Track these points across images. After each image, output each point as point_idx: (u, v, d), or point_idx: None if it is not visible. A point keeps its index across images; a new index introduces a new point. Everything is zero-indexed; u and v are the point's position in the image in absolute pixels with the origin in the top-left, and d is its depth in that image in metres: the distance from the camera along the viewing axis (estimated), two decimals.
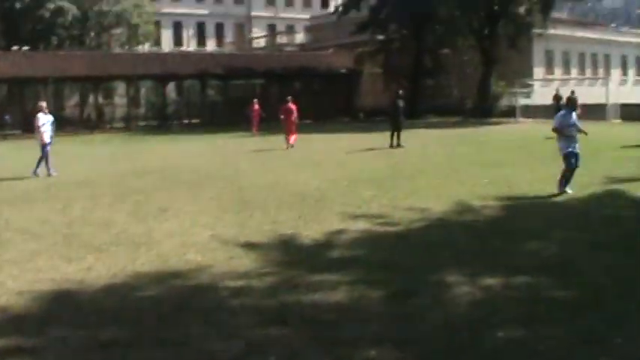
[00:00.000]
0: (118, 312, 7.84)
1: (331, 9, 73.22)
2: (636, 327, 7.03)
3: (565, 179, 15.47)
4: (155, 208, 14.93)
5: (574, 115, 15.81)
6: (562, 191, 15.29)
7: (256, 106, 40.50)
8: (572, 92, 35.24)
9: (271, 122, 39.30)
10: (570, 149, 15.37)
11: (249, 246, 10.94)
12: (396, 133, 28.66)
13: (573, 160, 15.38)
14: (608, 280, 8.65)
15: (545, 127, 35.02)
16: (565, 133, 15.53)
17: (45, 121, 21.75)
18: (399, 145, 28.29)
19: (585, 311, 7.49)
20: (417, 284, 8.61)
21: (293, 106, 31.66)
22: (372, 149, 27.63)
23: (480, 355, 6.36)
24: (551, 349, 6.48)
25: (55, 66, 48.36)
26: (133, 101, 54.98)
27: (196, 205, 15.20)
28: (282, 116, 31.61)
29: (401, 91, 31.75)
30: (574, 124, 15.66)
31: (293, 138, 30.39)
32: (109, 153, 30.67)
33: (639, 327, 7.05)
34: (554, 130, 15.80)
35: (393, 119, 29.25)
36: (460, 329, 7.03)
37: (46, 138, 21.52)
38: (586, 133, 15.91)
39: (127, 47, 63.86)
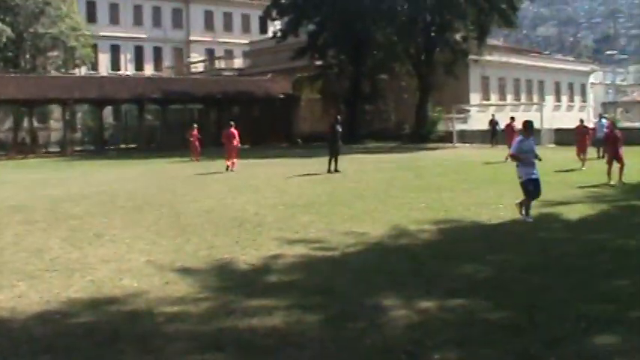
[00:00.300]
0: (51, 340, 7.69)
1: (270, 34, 73.48)
2: (570, 347, 7.14)
3: (525, 207, 15.29)
4: (91, 233, 14.73)
5: (532, 140, 15.63)
6: (525, 219, 15.11)
7: (195, 131, 40.14)
8: (512, 119, 36.01)
9: (210, 147, 39.25)
10: (529, 176, 15.17)
11: (186, 271, 10.86)
12: (333, 159, 28.73)
13: (531, 188, 15.17)
14: (543, 301, 8.78)
15: (481, 152, 35.58)
16: (523, 160, 15.28)
17: None
18: (336, 171, 28.36)
19: (520, 332, 7.58)
20: (354, 308, 8.63)
21: (235, 131, 32.25)
22: (310, 174, 27.68)
23: None
24: None
25: None
26: (69, 125, 54.26)
27: (133, 230, 15.04)
28: (223, 140, 32.29)
29: (339, 117, 31.88)
30: (532, 150, 15.45)
31: (232, 163, 30.88)
32: (44, 178, 30.17)
33: (573, 347, 7.15)
34: (512, 156, 15.63)
35: (331, 144, 29.25)
36: (397, 352, 7.06)
37: None
38: (540, 159, 15.81)
39: (63, 70, 63.16)
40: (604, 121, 36.64)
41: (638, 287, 9.53)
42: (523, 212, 15.26)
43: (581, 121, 32.46)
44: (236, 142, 32.12)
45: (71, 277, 10.63)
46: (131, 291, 9.69)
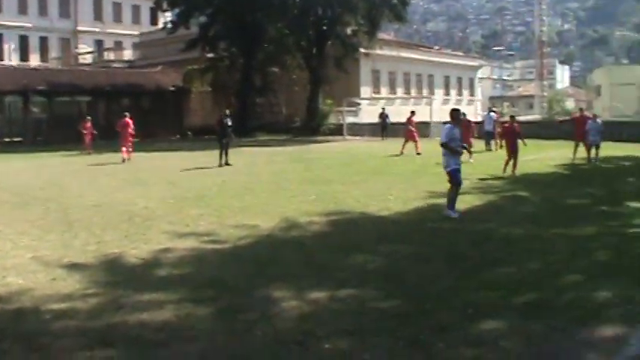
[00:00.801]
0: None
1: (160, 25, 72.57)
2: (456, 332, 7.33)
3: (453, 200, 14.96)
4: None
5: (457, 129, 15.32)
6: (452, 215, 14.64)
7: (88, 124, 39.15)
8: (413, 113, 36.29)
9: (99, 141, 38.55)
10: (457, 165, 15.02)
11: (74, 267, 10.62)
12: (224, 152, 28.62)
13: (460, 176, 15.13)
14: (432, 290, 8.97)
15: (372, 145, 35.98)
16: (453, 148, 15.00)
17: None
18: (227, 164, 28.24)
19: (410, 320, 7.74)
20: (245, 300, 8.64)
21: (129, 121, 33.01)
22: (200, 168, 27.47)
23: None
24: (377, 357, 6.68)
25: None
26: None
27: (18, 226, 14.61)
28: (118, 129, 32.96)
29: (228, 110, 31.57)
30: (459, 139, 15.28)
31: (129, 153, 31.70)
32: None
33: (460, 332, 7.34)
34: (443, 145, 14.94)
35: (220, 138, 29.15)
36: (288, 342, 7.11)
37: None
38: (466, 149, 16.03)
39: None
40: (492, 114, 37.64)
41: (522, 274, 9.83)
42: (449, 209, 14.86)
43: (464, 114, 32.96)
44: (131, 130, 32.78)
45: None
46: (16, 289, 9.42)
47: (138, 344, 7.17)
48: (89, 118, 40.55)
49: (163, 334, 7.44)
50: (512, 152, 22.87)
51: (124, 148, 31.83)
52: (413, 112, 36.43)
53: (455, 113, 15.50)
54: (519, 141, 22.99)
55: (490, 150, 34.60)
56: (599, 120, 28.31)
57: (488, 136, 36.13)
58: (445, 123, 15.95)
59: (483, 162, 27.07)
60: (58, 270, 10.42)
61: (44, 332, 7.62)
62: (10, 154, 39.97)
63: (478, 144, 33.43)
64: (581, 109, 34.74)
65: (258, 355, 6.76)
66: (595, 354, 6.88)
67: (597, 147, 27.32)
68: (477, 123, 39.16)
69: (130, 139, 32.63)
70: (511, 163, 22.82)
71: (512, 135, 23.26)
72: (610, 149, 31.14)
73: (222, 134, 29.15)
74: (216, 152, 28.74)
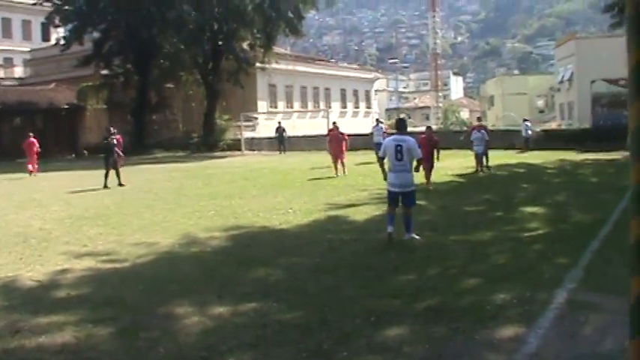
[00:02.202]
0: None
1: (53, 41, 71.10)
2: (360, 340, 7.39)
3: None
4: None
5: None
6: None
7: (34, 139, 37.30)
8: (334, 123, 36.43)
9: None
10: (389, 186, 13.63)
11: None
12: (114, 173, 27.12)
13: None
14: (334, 300, 9.02)
15: (270, 159, 36.03)
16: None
17: None
18: (120, 185, 26.80)
19: (312, 331, 7.76)
20: (146, 318, 8.51)
21: (34, 140, 36.98)
22: (97, 187, 26.96)
23: None
24: None
25: None
26: None
27: None
28: (25, 147, 36.35)
29: (112, 128, 29.92)
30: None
31: (35, 168, 35.74)
32: None
33: (363, 340, 7.40)
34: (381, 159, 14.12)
35: (106, 158, 27.54)
36: (192, 358, 7.07)
37: None
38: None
39: None
40: (382, 125, 38.26)
41: (422, 281, 9.98)
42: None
43: (336, 126, 32.47)
44: (36, 148, 36.56)
45: None
46: None
47: None
48: (32, 133, 38.60)
49: (63, 357, 7.26)
50: (427, 163, 22.56)
51: (29, 166, 35.54)
52: (335, 123, 36.80)
53: (401, 122, 14.34)
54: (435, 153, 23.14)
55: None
56: (482, 130, 28.93)
57: (377, 147, 36.65)
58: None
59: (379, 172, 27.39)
60: None
61: None
62: None
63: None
64: (479, 119, 35.62)
65: None
66: (496, 354, 7.03)
67: (485, 156, 27.97)
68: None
69: (35, 156, 36.52)
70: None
71: (427, 146, 23.27)
72: (504, 157, 31.93)
73: (107, 154, 27.60)
74: (111, 171, 28.06)
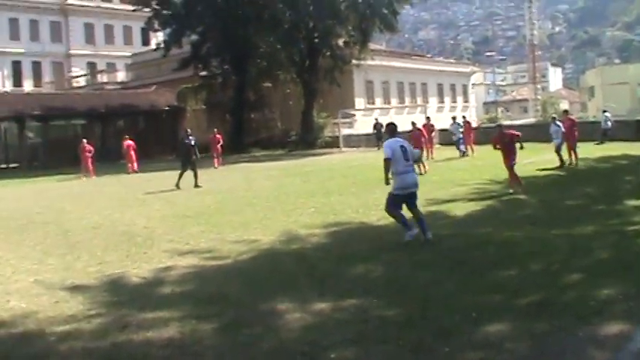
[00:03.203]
0: None
1: (152, 46, 72.70)
2: (461, 336, 7.35)
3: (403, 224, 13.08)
4: None
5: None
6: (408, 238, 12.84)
7: (87, 146, 38.99)
8: (428, 119, 36.76)
9: (95, 163, 38.57)
10: (395, 190, 13.15)
11: (76, 289, 10.64)
12: (192, 173, 27.36)
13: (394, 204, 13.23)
14: (434, 295, 8.99)
15: (368, 155, 36.01)
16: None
17: None
18: (196, 186, 26.94)
19: (413, 326, 7.76)
20: (248, 314, 8.65)
21: (131, 142, 40.35)
22: (199, 186, 27.44)
23: None
24: None
25: None
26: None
27: (18, 251, 14.63)
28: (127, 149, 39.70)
29: (189, 130, 30.02)
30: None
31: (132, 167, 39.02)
32: None
33: (465, 336, 7.36)
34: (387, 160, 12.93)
35: (183, 160, 27.94)
36: (294, 353, 7.14)
37: None
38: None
39: None
40: (460, 122, 38.25)
41: (523, 277, 9.85)
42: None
43: (428, 117, 32.45)
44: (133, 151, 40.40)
45: None
46: (20, 312, 9.43)
47: None
48: (85, 140, 40.19)
49: (169, 351, 7.46)
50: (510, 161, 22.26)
51: (129, 165, 39.50)
52: (428, 119, 37.56)
53: (391, 126, 13.76)
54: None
55: (464, 155, 35.27)
56: (558, 122, 28.07)
57: (457, 143, 36.72)
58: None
59: (479, 167, 27.11)
60: (60, 292, 10.44)
61: (50, 354, 7.64)
62: (8, 179, 40.00)
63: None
64: (565, 112, 34.41)
65: None
66: (600, 351, 6.89)
67: (572, 150, 27.09)
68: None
69: (134, 157, 40.30)
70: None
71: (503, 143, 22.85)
72: (606, 149, 31.17)
73: (185, 155, 27.96)
74: (212, 170, 28.50)
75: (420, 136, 29.37)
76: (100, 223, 18.23)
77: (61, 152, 49.48)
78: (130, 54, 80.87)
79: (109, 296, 10.12)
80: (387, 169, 12.80)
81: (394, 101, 67.51)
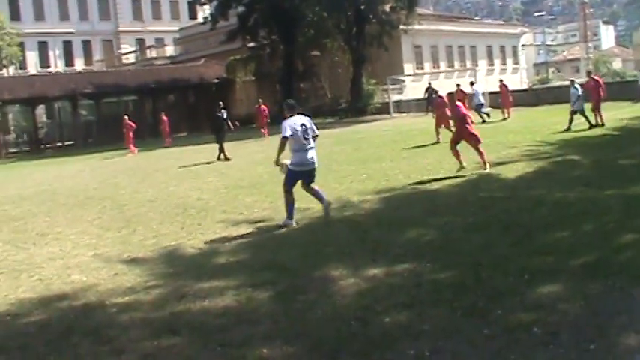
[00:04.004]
0: (3, 341, 7.64)
1: (199, 19, 72.90)
2: (514, 298, 7.37)
3: (287, 206, 12.84)
4: (34, 233, 14.63)
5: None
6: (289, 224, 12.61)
7: (129, 122, 39.65)
8: (472, 83, 36.37)
9: (147, 138, 39.05)
10: (292, 166, 12.97)
11: (134, 261, 10.88)
12: (218, 147, 27.74)
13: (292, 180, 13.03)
14: (486, 258, 8.99)
15: (419, 121, 35.90)
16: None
17: None
18: (226, 159, 27.15)
19: (466, 289, 7.79)
20: (303, 281, 8.76)
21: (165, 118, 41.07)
22: (249, 156, 27.64)
23: (369, 340, 6.53)
24: (435, 326, 6.74)
25: None
26: (2, 127, 53.10)
27: (77, 226, 14.96)
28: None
29: (221, 103, 30.33)
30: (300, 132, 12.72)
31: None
32: None
33: (517, 298, 7.38)
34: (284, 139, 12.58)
35: (216, 133, 28.22)
36: (348, 318, 7.21)
37: None
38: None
39: None
40: (479, 88, 37.82)
41: (576, 238, 9.80)
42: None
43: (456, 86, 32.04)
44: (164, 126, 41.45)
45: (18, 278, 10.55)
46: (80, 285, 9.68)
47: (202, 330, 7.33)
48: (126, 117, 40.60)
49: (225, 319, 7.60)
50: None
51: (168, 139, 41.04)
52: (472, 83, 37.51)
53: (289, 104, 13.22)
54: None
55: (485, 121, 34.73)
56: (576, 85, 27.45)
57: (478, 108, 36.29)
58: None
59: (530, 129, 26.88)
60: (119, 265, 10.69)
61: (111, 325, 7.83)
62: (63, 157, 40.70)
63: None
64: (589, 72, 33.28)
65: (320, 333, 6.86)
66: None
67: (581, 113, 26.54)
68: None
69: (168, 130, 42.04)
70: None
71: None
72: (614, 109, 30.67)
73: (217, 128, 28.25)
74: (262, 141, 28.68)
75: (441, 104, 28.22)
76: (154, 196, 18.52)
77: (113, 129, 49.98)
78: (178, 28, 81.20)
79: (165, 268, 10.33)
80: (281, 147, 12.64)
81: (443, 65, 66.98)
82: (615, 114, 30.21)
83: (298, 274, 9.15)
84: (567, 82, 30.03)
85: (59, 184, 24.85)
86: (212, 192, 18.21)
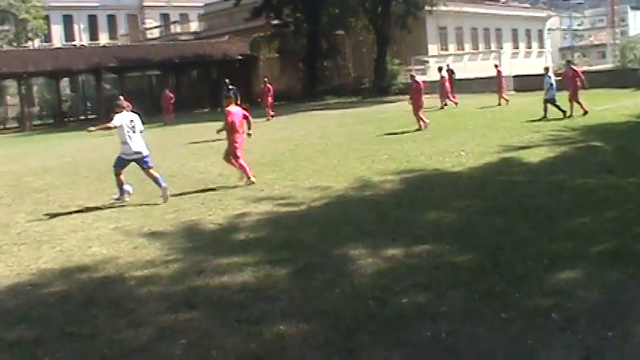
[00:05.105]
0: (24, 311, 7.75)
1: None
2: (532, 283, 7.36)
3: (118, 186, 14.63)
4: (56, 205, 14.75)
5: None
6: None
7: (171, 94, 41.44)
8: (496, 66, 36.02)
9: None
10: (123, 154, 14.62)
11: (154, 235, 10.95)
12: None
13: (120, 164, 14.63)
14: (506, 242, 8.98)
15: (440, 102, 35.70)
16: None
17: None
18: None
19: (485, 272, 7.79)
20: (321, 259, 8.79)
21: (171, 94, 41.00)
22: (267, 133, 27.64)
23: (386, 321, 6.56)
24: (453, 309, 6.76)
25: None
26: (26, 100, 53.33)
27: (98, 199, 15.04)
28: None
29: (227, 80, 30.79)
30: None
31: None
32: (4, 154, 29.85)
33: (536, 282, 7.37)
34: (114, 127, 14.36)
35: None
36: (366, 298, 7.24)
37: None
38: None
39: (15, 44, 61.97)
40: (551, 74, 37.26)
41: (597, 224, 9.76)
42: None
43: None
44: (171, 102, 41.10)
45: (40, 249, 10.66)
46: (100, 258, 9.77)
47: (220, 305, 7.38)
48: (167, 90, 42.17)
49: (244, 295, 7.65)
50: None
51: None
52: (496, 66, 37.17)
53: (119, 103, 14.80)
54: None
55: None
56: (550, 74, 27.07)
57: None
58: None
59: (553, 113, 26.71)
60: (139, 239, 10.76)
61: (130, 297, 7.91)
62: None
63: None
64: (568, 62, 32.26)
65: (338, 311, 6.89)
66: None
67: (552, 102, 26.11)
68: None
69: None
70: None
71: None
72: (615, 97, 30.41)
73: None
74: (284, 118, 28.68)
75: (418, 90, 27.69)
76: (175, 171, 18.59)
77: (136, 103, 50.00)
78: (203, 4, 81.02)
79: (185, 242, 10.39)
80: (103, 128, 14.95)
81: (467, 47, 66.51)
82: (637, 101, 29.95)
83: (317, 252, 9.18)
84: (590, 68, 29.66)
85: (81, 156, 24.98)
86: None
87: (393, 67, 54.16)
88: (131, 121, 14.44)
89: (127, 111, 14.66)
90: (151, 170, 14.69)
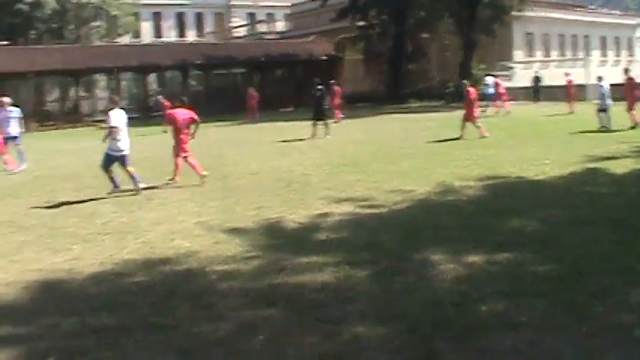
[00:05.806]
0: (108, 299, 7.92)
1: None
2: (616, 296, 7.19)
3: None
4: (140, 197, 15.01)
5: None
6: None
7: (256, 93, 43.14)
8: (627, 70, 35.15)
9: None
10: (111, 151, 15.68)
11: (235, 231, 11.05)
12: (320, 123, 28.07)
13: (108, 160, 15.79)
14: (590, 254, 8.79)
15: (526, 109, 35.27)
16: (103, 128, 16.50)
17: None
18: (327, 135, 27.58)
19: (567, 284, 7.65)
20: (401, 263, 8.75)
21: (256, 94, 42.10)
22: (351, 134, 27.66)
23: (465, 328, 6.49)
24: (533, 319, 6.64)
25: (35, 60, 47.90)
26: (115, 94, 54.37)
27: (182, 193, 15.29)
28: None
29: (317, 79, 30.90)
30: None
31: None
32: (92, 146, 30.33)
33: (619, 296, 7.20)
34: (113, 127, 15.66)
35: (315, 109, 28.65)
36: (445, 304, 7.17)
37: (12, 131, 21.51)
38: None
39: (106, 40, 63.34)
40: (491, 78, 38.35)
41: None
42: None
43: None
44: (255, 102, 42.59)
45: (124, 240, 10.88)
46: (183, 251, 9.91)
47: (299, 304, 7.41)
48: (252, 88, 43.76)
49: (323, 295, 7.66)
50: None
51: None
52: (627, 70, 36.24)
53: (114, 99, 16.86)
54: None
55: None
56: (602, 83, 26.36)
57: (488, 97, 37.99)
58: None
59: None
60: (220, 234, 10.88)
61: (210, 291, 8.00)
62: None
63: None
64: (626, 70, 31.21)
65: (417, 316, 6.85)
66: None
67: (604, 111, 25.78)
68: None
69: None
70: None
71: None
72: None
73: (317, 105, 28.72)
74: (367, 120, 28.71)
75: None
76: (257, 169, 18.75)
77: (221, 100, 50.88)
78: (289, 4, 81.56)
79: (266, 239, 10.46)
80: (107, 134, 15.59)
81: (554, 54, 65.46)
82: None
83: (397, 255, 9.14)
84: None
85: (165, 151, 25.27)
86: (315, 168, 18.32)
87: (478, 72, 53.65)
88: (124, 119, 15.73)
89: (118, 108, 16.02)
90: (128, 168, 15.68)
